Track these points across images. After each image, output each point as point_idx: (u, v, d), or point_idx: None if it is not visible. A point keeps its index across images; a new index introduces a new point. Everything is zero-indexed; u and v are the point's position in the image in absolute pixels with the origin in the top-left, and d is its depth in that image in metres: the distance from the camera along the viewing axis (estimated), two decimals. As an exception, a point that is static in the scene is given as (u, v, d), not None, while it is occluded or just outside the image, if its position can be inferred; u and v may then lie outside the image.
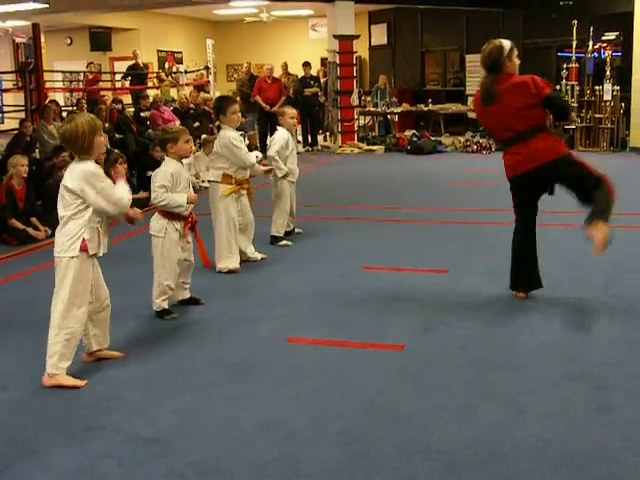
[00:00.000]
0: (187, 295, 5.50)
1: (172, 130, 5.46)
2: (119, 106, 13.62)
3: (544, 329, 4.87)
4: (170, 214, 5.22)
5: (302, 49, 22.11)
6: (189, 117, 14.20)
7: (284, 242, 7.44)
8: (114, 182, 4.28)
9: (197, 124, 14.10)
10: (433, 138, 16.41)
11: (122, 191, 4.26)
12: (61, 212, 4.17)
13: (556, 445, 3.34)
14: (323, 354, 4.54)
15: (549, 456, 3.25)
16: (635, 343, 4.56)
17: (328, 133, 17.68)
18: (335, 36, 16.33)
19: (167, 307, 5.24)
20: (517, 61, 5.33)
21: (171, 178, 5.20)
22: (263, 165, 7.27)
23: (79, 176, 4.10)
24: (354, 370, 4.26)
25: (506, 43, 5.34)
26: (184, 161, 5.45)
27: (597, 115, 15.11)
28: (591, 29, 15.16)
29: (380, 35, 22.20)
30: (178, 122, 13.51)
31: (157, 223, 5.25)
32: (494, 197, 9.81)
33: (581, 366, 4.23)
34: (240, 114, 6.79)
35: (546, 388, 3.96)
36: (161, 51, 21.73)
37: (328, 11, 16.94)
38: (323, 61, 19.40)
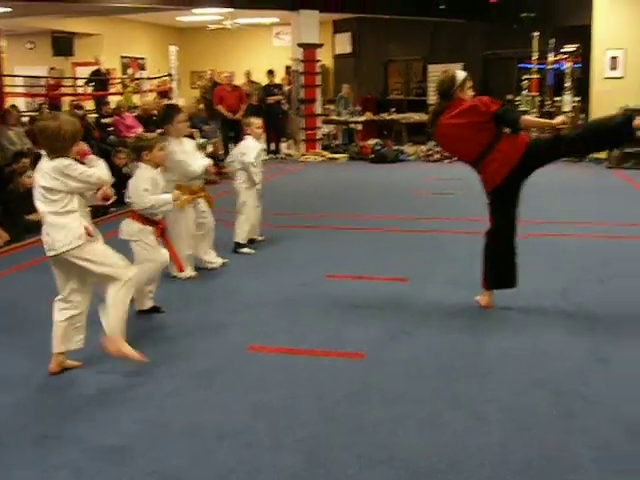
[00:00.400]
0: (150, 304, 5.46)
1: (147, 138, 5.46)
2: (81, 112, 13.48)
3: (506, 337, 4.91)
4: (144, 218, 5.21)
5: (266, 57, 22.08)
6: (152, 124, 14.08)
7: (247, 250, 7.43)
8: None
9: (160, 131, 13.99)
10: (396, 147, 16.50)
11: (98, 169, 4.27)
12: (45, 208, 4.15)
13: (517, 452, 3.37)
14: (285, 362, 4.53)
15: (509, 463, 3.27)
16: (595, 350, 4.62)
17: (291, 141, 17.69)
18: (299, 44, 16.36)
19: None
20: (470, 92, 5.46)
21: (151, 182, 5.22)
22: (214, 170, 7.26)
23: (54, 172, 4.08)
24: (315, 378, 4.26)
25: (460, 75, 5.46)
26: None
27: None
28: (551, 41, 15.36)
29: (344, 44, 22.26)
30: (141, 129, 13.42)
31: (130, 227, 5.24)
32: (456, 206, 9.90)
33: (543, 373, 4.27)
34: (187, 124, 6.78)
35: (509, 395, 3.99)
36: (124, 57, 21.56)
37: (292, 19, 16.97)
38: (287, 69, 19.39)
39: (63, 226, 4.15)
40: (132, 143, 5.42)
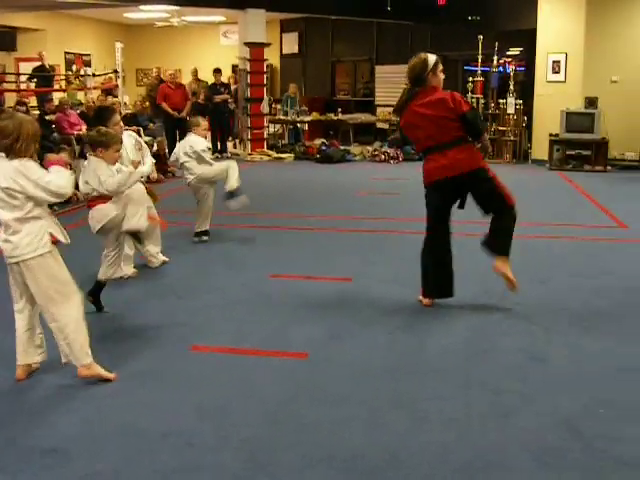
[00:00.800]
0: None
1: (108, 134, 5.27)
2: (23, 108, 13.24)
3: (447, 336, 4.97)
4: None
5: (213, 55, 21.98)
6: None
7: (205, 237, 7.72)
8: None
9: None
10: (342, 147, 16.57)
11: (59, 177, 4.02)
12: (7, 215, 3.94)
13: (457, 450, 3.41)
14: (227, 362, 4.52)
15: (449, 461, 3.31)
16: (533, 350, 4.71)
17: (238, 140, 17.64)
18: (246, 43, 16.31)
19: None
20: (442, 75, 5.46)
21: (110, 171, 5.12)
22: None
23: (11, 173, 3.88)
24: (258, 378, 4.26)
25: (431, 58, 5.42)
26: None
27: (501, 128, 15.52)
28: (496, 44, 15.58)
29: (291, 44, 22.29)
30: (84, 126, 13.25)
31: (99, 212, 5.17)
32: (400, 206, 9.99)
33: (483, 372, 4.34)
34: (122, 125, 6.71)
35: (450, 394, 4.04)
36: (69, 53, 21.25)
37: (239, 18, 16.91)
38: (234, 68, 19.33)
39: (28, 232, 3.97)
40: (92, 135, 5.26)
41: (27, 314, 4.20)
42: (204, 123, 7.86)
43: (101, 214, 5.18)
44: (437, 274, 5.57)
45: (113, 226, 5.23)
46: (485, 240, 5.55)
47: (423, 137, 5.47)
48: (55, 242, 4.06)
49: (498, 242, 5.49)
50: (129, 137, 6.59)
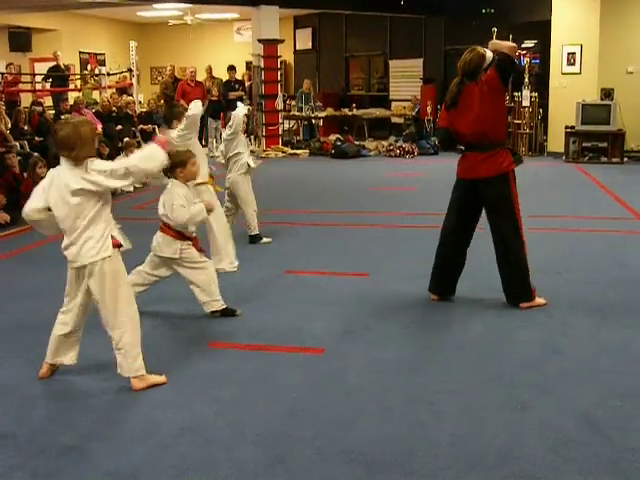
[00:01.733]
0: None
1: (180, 153, 5.26)
2: (40, 108, 13.35)
3: (462, 330, 4.98)
4: (180, 234, 5.14)
5: (227, 52, 22.02)
6: (111, 120, 14.01)
7: (265, 239, 7.64)
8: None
9: (119, 127, 13.92)
10: (357, 142, 16.57)
11: (143, 155, 4.08)
12: (76, 223, 3.94)
13: (471, 443, 3.42)
14: (244, 358, 4.53)
15: (464, 454, 3.32)
16: (550, 343, 4.70)
17: (253, 137, 17.66)
18: (260, 40, 16.31)
19: None
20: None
21: (185, 199, 5.12)
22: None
23: (80, 176, 3.89)
24: (275, 374, 4.28)
25: (489, 54, 5.27)
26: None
27: (516, 121, 15.46)
28: (510, 37, 15.49)
29: (305, 40, 22.27)
30: (100, 125, 13.32)
31: (170, 247, 5.16)
32: (415, 201, 9.98)
33: (498, 365, 4.34)
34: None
35: (464, 388, 4.04)
36: (83, 53, 21.34)
37: (253, 15, 16.92)
38: (248, 65, 19.35)
39: (90, 236, 3.97)
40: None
41: (73, 316, 4.17)
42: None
43: (166, 245, 5.20)
44: (441, 270, 5.56)
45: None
46: (506, 295, 5.44)
47: (470, 131, 5.32)
48: (117, 246, 4.05)
49: (516, 291, 5.39)
50: None
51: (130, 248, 4.16)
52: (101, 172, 3.90)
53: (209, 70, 17.78)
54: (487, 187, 5.28)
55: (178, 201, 5.08)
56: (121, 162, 4.06)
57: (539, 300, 5.40)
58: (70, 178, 3.89)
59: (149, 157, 4.07)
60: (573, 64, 14.93)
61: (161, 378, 4.16)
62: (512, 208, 5.29)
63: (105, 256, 3.97)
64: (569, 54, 14.91)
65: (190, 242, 5.18)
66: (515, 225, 5.31)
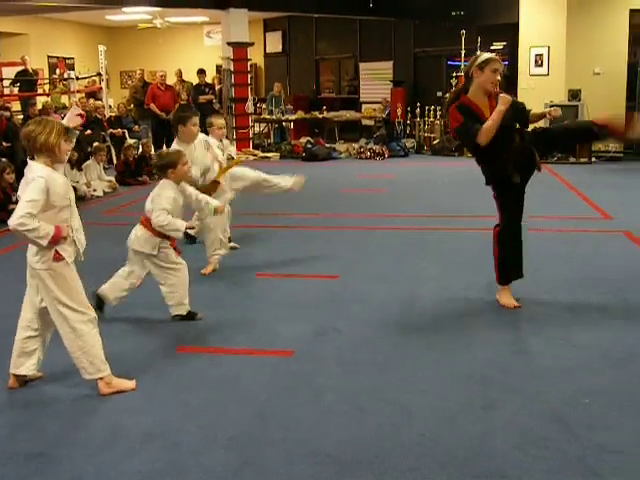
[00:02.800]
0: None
1: (170, 154, 5.29)
2: (7, 113, 13.20)
3: (432, 330, 4.99)
4: (162, 234, 5.14)
5: (197, 56, 21.95)
6: (80, 125, 13.88)
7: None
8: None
9: (89, 132, 13.82)
10: (328, 145, 16.58)
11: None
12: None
13: (441, 443, 3.43)
14: (213, 362, 4.51)
15: (434, 454, 3.33)
16: (519, 342, 4.74)
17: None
18: (229, 43, 16.28)
19: None
20: (493, 78, 5.17)
21: (173, 202, 5.15)
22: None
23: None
24: (244, 377, 4.26)
25: (483, 56, 5.23)
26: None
27: (486, 122, 15.53)
28: (479, 39, 15.61)
29: (275, 43, 22.28)
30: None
31: (148, 243, 5.15)
32: (386, 203, 10.00)
33: (467, 365, 4.35)
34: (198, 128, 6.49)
35: (434, 388, 4.05)
36: (52, 57, 21.19)
37: (222, 18, 16.88)
38: (218, 68, 19.31)
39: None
40: (156, 162, 5.32)
41: (32, 325, 4.19)
42: (219, 122, 7.27)
43: (144, 240, 5.19)
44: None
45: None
46: None
47: None
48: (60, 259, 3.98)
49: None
50: (199, 139, 6.54)
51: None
52: None
53: (179, 74, 17.71)
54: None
55: (164, 204, 5.09)
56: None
57: (507, 300, 5.44)
58: None
59: None
60: (541, 65, 15.07)
61: (130, 384, 4.12)
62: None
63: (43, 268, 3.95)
64: (537, 56, 15.06)
65: (168, 241, 5.18)
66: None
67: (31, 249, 3.98)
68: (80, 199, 10.66)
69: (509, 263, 5.48)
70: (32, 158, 3.95)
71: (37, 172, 3.85)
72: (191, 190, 5.44)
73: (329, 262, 6.87)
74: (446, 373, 4.25)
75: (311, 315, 5.35)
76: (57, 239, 3.88)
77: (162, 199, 5.14)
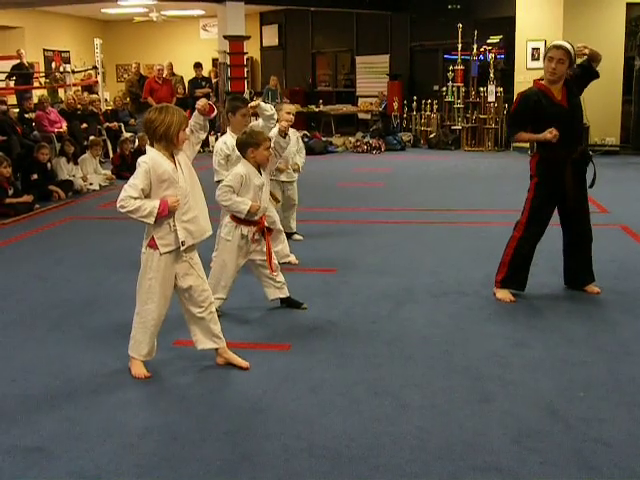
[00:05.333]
0: (287, 294, 5.39)
1: (255, 134, 5.13)
2: (4, 107, 13.18)
3: (427, 324, 5.00)
4: (239, 219, 5.06)
5: (193, 49, 21.93)
6: (76, 118, 13.87)
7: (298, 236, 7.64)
8: None
9: (85, 125, 13.80)
10: (324, 138, 16.58)
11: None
12: None
13: (437, 436, 3.44)
14: (210, 356, 4.51)
15: (430, 447, 3.34)
16: (515, 336, 4.74)
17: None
18: (225, 37, 16.24)
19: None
20: (548, 64, 5.22)
21: (240, 180, 5.03)
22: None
23: None
24: (241, 371, 4.26)
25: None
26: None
27: (482, 116, 15.59)
28: (475, 32, 15.61)
29: (271, 36, 22.25)
30: (65, 124, 13.20)
31: (226, 227, 5.13)
32: (383, 197, 10.00)
33: (463, 359, 4.37)
34: (250, 120, 6.30)
35: (429, 381, 4.07)
36: (47, 50, 21.15)
37: (218, 11, 16.85)
38: (214, 62, 19.27)
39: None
40: (241, 138, 5.15)
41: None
42: (288, 107, 6.89)
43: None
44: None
45: None
46: None
47: None
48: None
49: None
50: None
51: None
52: None
53: (170, 67, 17.62)
54: None
55: (228, 182, 5.03)
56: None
57: (503, 294, 5.44)
58: None
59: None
60: (538, 59, 15.02)
61: (145, 373, 4.23)
62: (524, 206, 5.49)
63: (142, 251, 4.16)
64: (533, 49, 15.04)
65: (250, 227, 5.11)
66: (518, 220, 5.52)
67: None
68: (76, 193, 10.67)
69: (513, 274, 5.51)
70: (151, 145, 4.07)
71: (145, 157, 4.01)
72: None
73: (326, 256, 6.88)
74: (441, 366, 4.27)
75: (309, 308, 5.35)
76: (163, 212, 3.99)
77: (229, 176, 5.07)
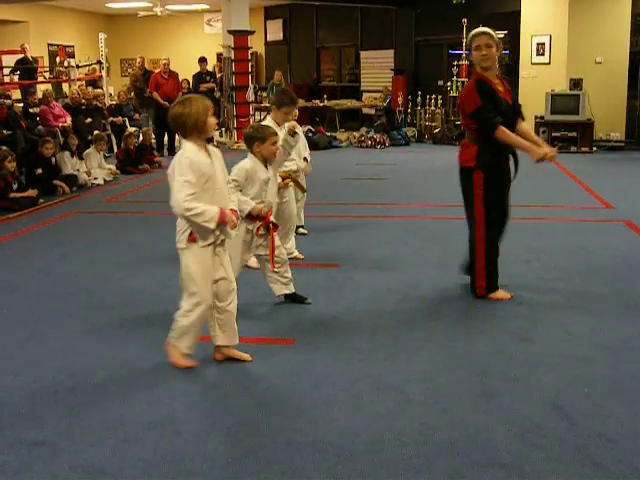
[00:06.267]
0: (292, 289, 5.37)
1: (263, 129, 5.16)
2: (9, 102, 13.18)
3: (431, 319, 5.00)
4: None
5: (198, 44, 21.91)
6: (81, 113, 13.87)
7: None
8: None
9: (89, 120, 13.80)
10: (328, 133, 16.57)
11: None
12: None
13: (440, 431, 3.44)
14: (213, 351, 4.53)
15: (433, 442, 3.34)
16: (519, 331, 4.74)
17: (224, 129, 17.58)
18: (230, 31, 16.22)
19: None
20: (476, 52, 5.15)
21: (245, 174, 5.04)
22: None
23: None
24: (245, 365, 4.27)
25: (472, 32, 5.25)
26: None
27: (486, 111, 15.52)
28: (480, 27, 15.54)
29: (276, 31, 22.22)
30: (69, 118, 13.20)
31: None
32: (387, 192, 9.99)
33: (466, 354, 4.37)
34: (290, 118, 6.18)
35: (433, 376, 4.07)
36: (52, 45, 21.15)
37: (223, 6, 16.83)
38: (218, 56, 19.26)
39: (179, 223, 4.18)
40: (246, 133, 5.18)
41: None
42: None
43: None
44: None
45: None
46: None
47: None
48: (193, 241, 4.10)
49: (471, 280, 5.44)
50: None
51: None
52: None
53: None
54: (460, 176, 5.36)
55: (234, 174, 5.02)
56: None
57: (499, 294, 5.40)
58: None
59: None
60: (542, 54, 15.03)
61: (189, 362, 4.26)
62: (472, 203, 5.26)
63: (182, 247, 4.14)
64: (538, 44, 15.01)
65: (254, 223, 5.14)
66: (472, 223, 5.30)
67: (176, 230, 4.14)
68: (80, 187, 10.68)
69: (493, 270, 5.42)
70: (184, 137, 4.07)
71: (185, 152, 4.01)
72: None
73: (329, 251, 6.88)
74: (444, 362, 4.27)
75: (312, 304, 5.35)
76: (223, 220, 4.03)
77: (235, 169, 5.05)
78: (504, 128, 5.06)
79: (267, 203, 5.11)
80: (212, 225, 4.00)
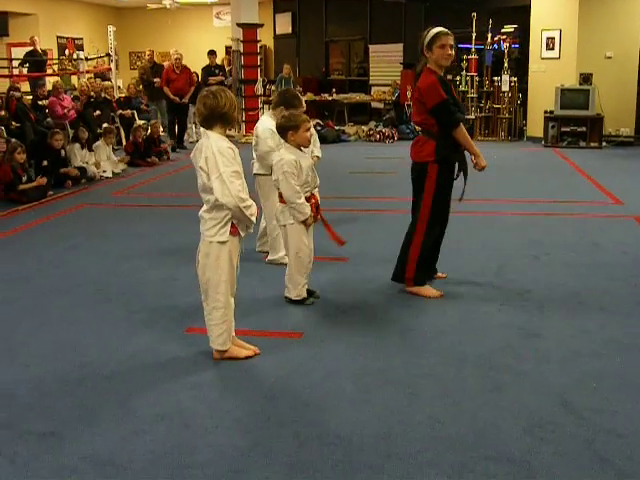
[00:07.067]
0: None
1: (294, 117, 5.16)
2: (18, 94, 13.21)
3: (441, 313, 5.00)
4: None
5: (207, 37, 21.92)
6: (90, 105, 13.89)
7: None
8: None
9: (98, 112, 13.81)
10: (337, 127, 16.55)
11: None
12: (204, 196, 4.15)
13: (448, 426, 3.44)
14: (223, 343, 4.53)
15: (441, 436, 3.34)
16: (527, 326, 4.73)
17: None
18: (239, 24, 16.21)
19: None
20: (440, 51, 5.21)
21: (296, 165, 5.05)
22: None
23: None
24: (253, 359, 4.27)
25: (431, 31, 5.30)
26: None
27: (496, 105, 15.52)
28: (490, 21, 15.52)
29: (285, 24, 22.19)
30: (77, 108, 13.21)
31: (283, 212, 5.17)
32: (396, 185, 9.97)
33: (475, 349, 4.36)
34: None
35: (441, 371, 4.06)
36: (61, 37, 21.17)
37: (232, -1, 16.83)
38: (227, 49, 19.25)
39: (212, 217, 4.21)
40: (280, 123, 5.17)
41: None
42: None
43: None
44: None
45: None
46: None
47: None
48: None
49: (396, 271, 5.49)
50: None
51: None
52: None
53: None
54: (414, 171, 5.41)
55: (287, 168, 5.03)
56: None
57: (425, 290, 5.38)
58: None
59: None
60: (552, 49, 14.96)
61: (247, 352, 4.29)
62: (422, 197, 5.29)
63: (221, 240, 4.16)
64: (548, 39, 14.95)
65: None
66: (417, 216, 5.35)
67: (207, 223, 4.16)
68: (90, 180, 10.70)
69: (426, 266, 5.44)
70: (210, 128, 4.07)
71: (222, 142, 4.03)
72: None
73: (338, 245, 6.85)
74: (453, 356, 4.26)
75: (321, 297, 5.35)
76: (258, 214, 4.16)
77: (284, 163, 5.04)
78: (463, 126, 5.17)
79: (313, 184, 5.22)
80: (254, 219, 4.10)
